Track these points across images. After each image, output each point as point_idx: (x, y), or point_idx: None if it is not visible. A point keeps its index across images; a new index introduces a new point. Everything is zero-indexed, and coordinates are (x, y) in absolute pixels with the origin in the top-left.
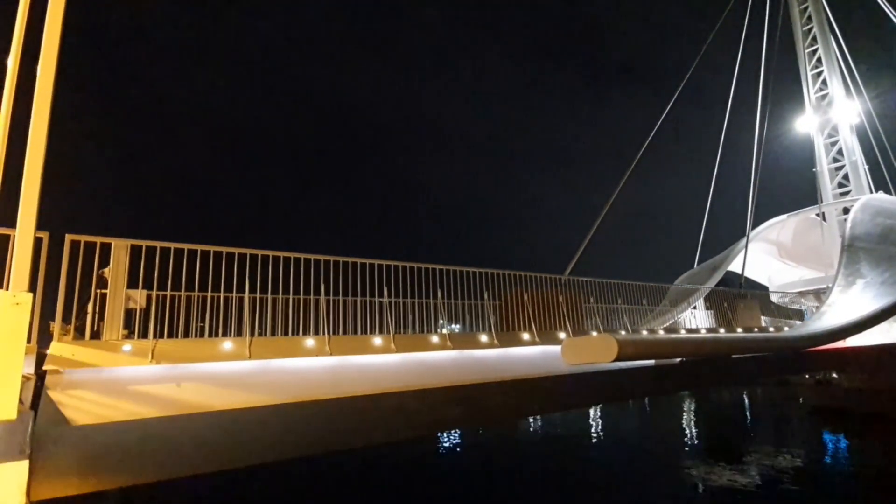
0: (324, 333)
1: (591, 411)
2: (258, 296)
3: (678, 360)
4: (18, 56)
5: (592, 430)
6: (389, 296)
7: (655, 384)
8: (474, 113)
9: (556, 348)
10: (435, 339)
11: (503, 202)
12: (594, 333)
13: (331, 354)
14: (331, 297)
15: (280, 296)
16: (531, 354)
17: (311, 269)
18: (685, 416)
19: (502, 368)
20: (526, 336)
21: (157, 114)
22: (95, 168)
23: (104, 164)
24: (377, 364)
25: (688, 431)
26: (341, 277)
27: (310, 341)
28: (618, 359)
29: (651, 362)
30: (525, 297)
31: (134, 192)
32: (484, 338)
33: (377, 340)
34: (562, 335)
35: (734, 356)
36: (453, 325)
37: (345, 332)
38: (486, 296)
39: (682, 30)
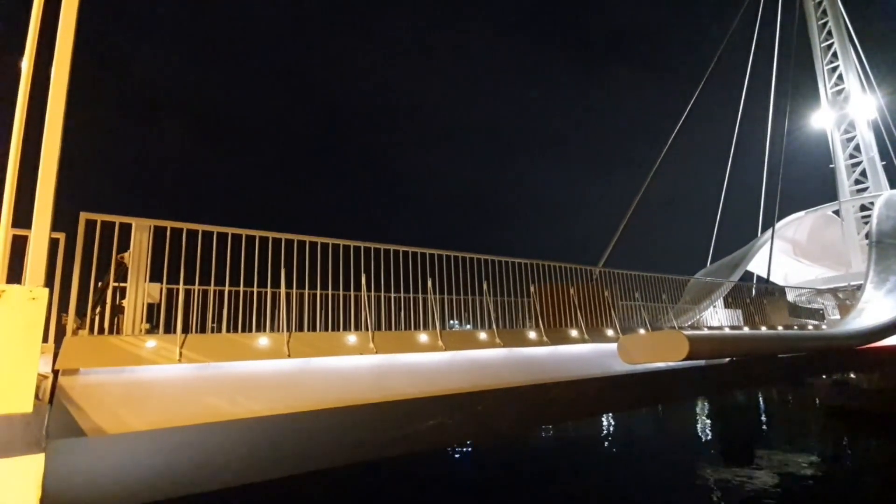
0: (365, 329)
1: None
2: (294, 291)
3: (727, 359)
4: (32, 59)
5: (605, 431)
6: (433, 289)
7: (707, 384)
8: (466, 98)
9: (608, 346)
10: (483, 335)
11: (502, 193)
12: (641, 331)
13: (375, 352)
14: (373, 293)
15: (318, 291)
16: (582, 353)
17: (349, 256)
18: (699, 419)
19: (554, 368)
20: (574, 333)
21: (141, 100)
22: (94, 163)
23: (101, 159)
24: (424, 363)
25: (703, 434)
26: (383, 268)
27: (352, 338)
28: (688, 358)
29: (701, 361)
30: (571, 291)
31: (122, 186)
32: (532, 335)
33: (423, 337)
34: (610, 332)
35: (780, 355)
36: (454, 322)
37: (387, 328)
38: (531, 289)
39: (686, 10)
